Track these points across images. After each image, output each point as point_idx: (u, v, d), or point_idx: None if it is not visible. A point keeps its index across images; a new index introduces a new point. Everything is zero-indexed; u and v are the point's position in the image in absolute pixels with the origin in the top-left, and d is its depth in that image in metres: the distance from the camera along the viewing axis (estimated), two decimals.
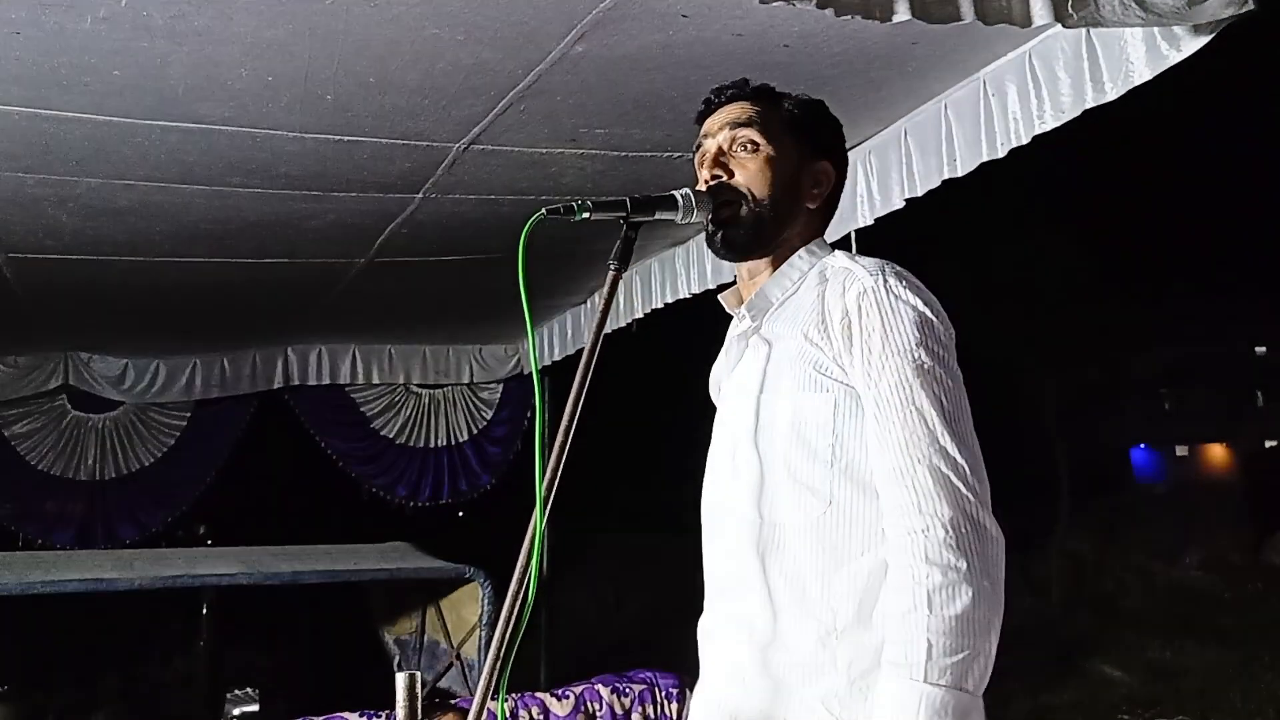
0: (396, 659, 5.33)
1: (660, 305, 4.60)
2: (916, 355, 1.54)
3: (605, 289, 1.60)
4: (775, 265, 1.74)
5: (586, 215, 1.56)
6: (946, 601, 1.43)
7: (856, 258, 1.69)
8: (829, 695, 1.53)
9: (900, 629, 1.45)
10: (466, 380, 6.60)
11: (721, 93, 1.77)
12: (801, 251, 1.74)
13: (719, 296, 1.86)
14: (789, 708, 1.56)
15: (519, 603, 1.42)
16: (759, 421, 1.66)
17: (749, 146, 1.71)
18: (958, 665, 1.42)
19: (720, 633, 1.70)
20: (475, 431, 6.73)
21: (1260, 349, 30.95)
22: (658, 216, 1.64)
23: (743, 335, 1.76)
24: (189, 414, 6.30)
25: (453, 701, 3.41)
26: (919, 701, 1.41)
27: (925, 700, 1.41)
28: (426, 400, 6.63)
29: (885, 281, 1.59)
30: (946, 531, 1.46)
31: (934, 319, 1.59)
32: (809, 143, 1.75)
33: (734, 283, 1.85)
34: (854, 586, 1.55)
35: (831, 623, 1.55)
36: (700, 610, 1.77)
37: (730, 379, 1.77)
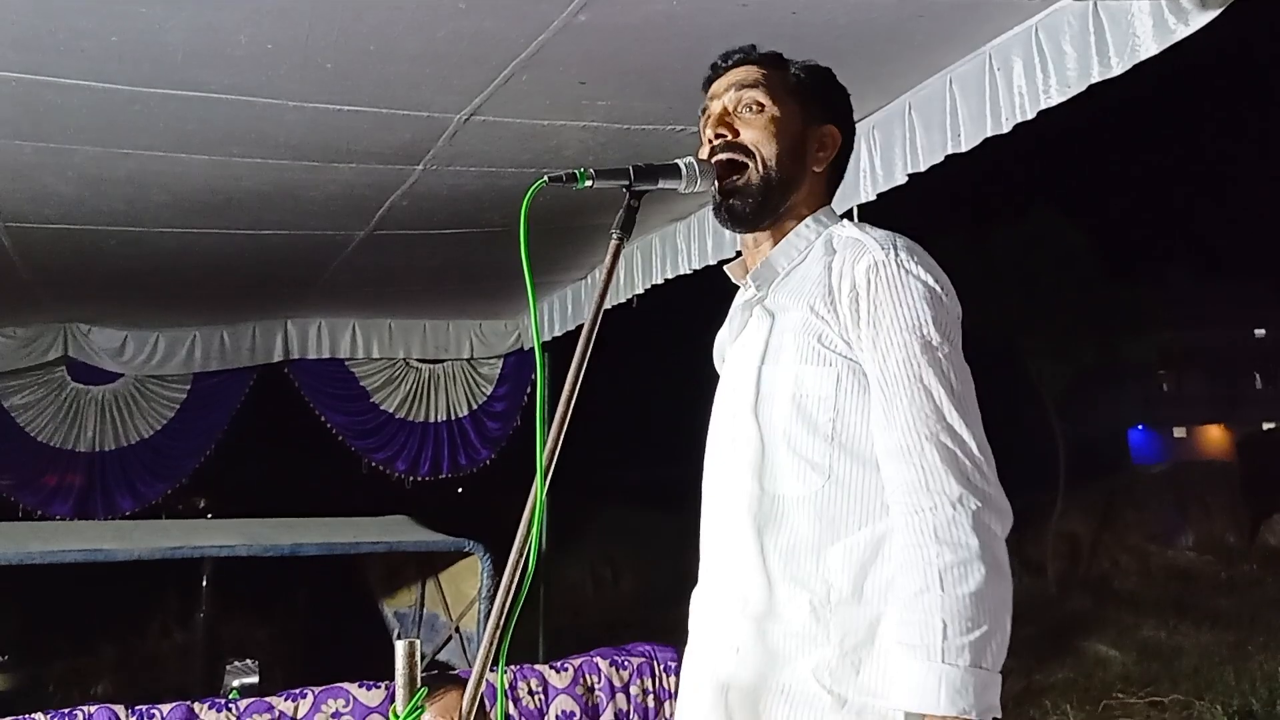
0: (396, 631, 5.35)
1: (661, 281, 4.58)
2: (925, 332, 1.53)
3: (608, 258, 1.59)
4: (782, 234, 1.73)
5: (589, 183, 1.55)
6: (959, 580, 1.43)
7: (866, 228, 1.67)
8: (820, 667, 1.53)
9: (913, 609, 1.45)
10: (466, 355, 6.61)
11: (728, 57, 1.76)
12: (809, 220, 1.72)
13: (726, 268, 1.84)
14: (782, 678, 1.56)
15: (519, 573, 1.42)
16: (759, 393, 1.65)
17: (754, 107, 1.70)
18: (975, 644, 1.42)
19: (714, 604, 1.69)
20: (475, 407, 6.74)
21: (1259, 331, 30.97)
22: (661, 185, 1.62)
23: (747, 304, 1.75)
24: (188, 386, 6.30)
25: (453, 672, 3.42)
26: (939, 682, 1.41)
27: (945, 680, 1.41)
28: (426, 375, 6.64)
29: (897, 255, 1.57)
30: (955, 509, 1.46)
31: (944, 296, 1.58)
32: (815, 107, 1.74)
33: (739, 255, 1.84)
34: (850, 560, 1.55)
35: (825, 595, 1.55)
36: (691, 585, 1.77)
37: (733, 348, 1.76)
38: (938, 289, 1.57)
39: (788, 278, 1.69)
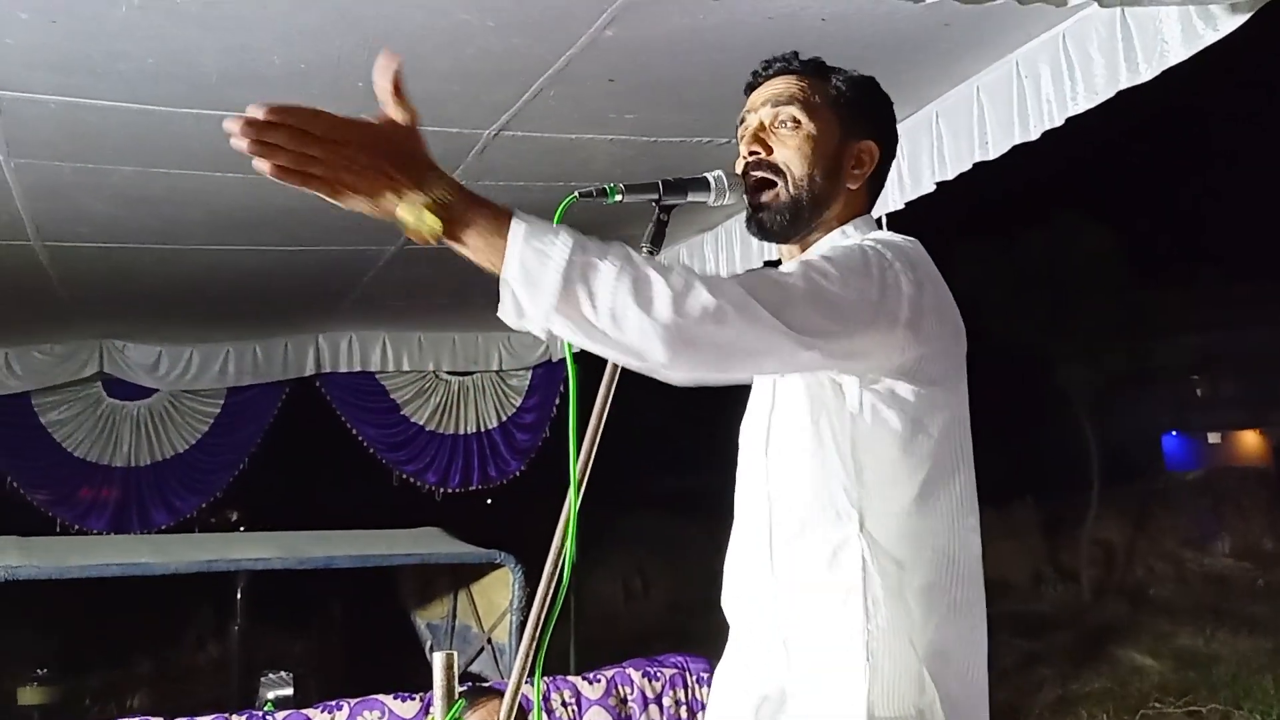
0: (429, 643, 5.38)
1: None
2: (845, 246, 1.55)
3: None
4: (807, 246, 1.72)
5: (619, 198, 1.56)
6: (675, 297, 1.29)
7: (871, 233, 1.67)
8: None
9: (618, 261, 1.31)
10: (495, 367, 6.63)
11: (770, 65, 1.74)
12: (838, 231, 1.71)
13: None
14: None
15: (554, 585, 1.43)
16: (774, 408, 1.66)
17: (790, 123, 1.68)
18: (587, 292, 1.28)
19: (747, 614, 1.68)
20: (504, 418, 6.77)
21: None
22: (690, 199, 1.63)
23: None
24: (222, 401, 6.37)
25: (487, 684, 3.43)
26: (521, 239, 1.30)
27: (544, 254, 1.29)
28: (456, 387, 6.67)
29: (881, 236, 1.59)
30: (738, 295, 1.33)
31: (920, 269, 1.54)
32: (855, 120, 1.72)
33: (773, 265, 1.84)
34: (810, 562, 1.54)
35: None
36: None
37: None
38: (869, 251, 1.51)
39: None
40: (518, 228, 1.31)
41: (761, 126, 1.70)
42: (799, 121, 1.68)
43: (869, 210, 1.78)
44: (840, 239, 1.69)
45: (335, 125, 1.28)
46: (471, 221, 1.32)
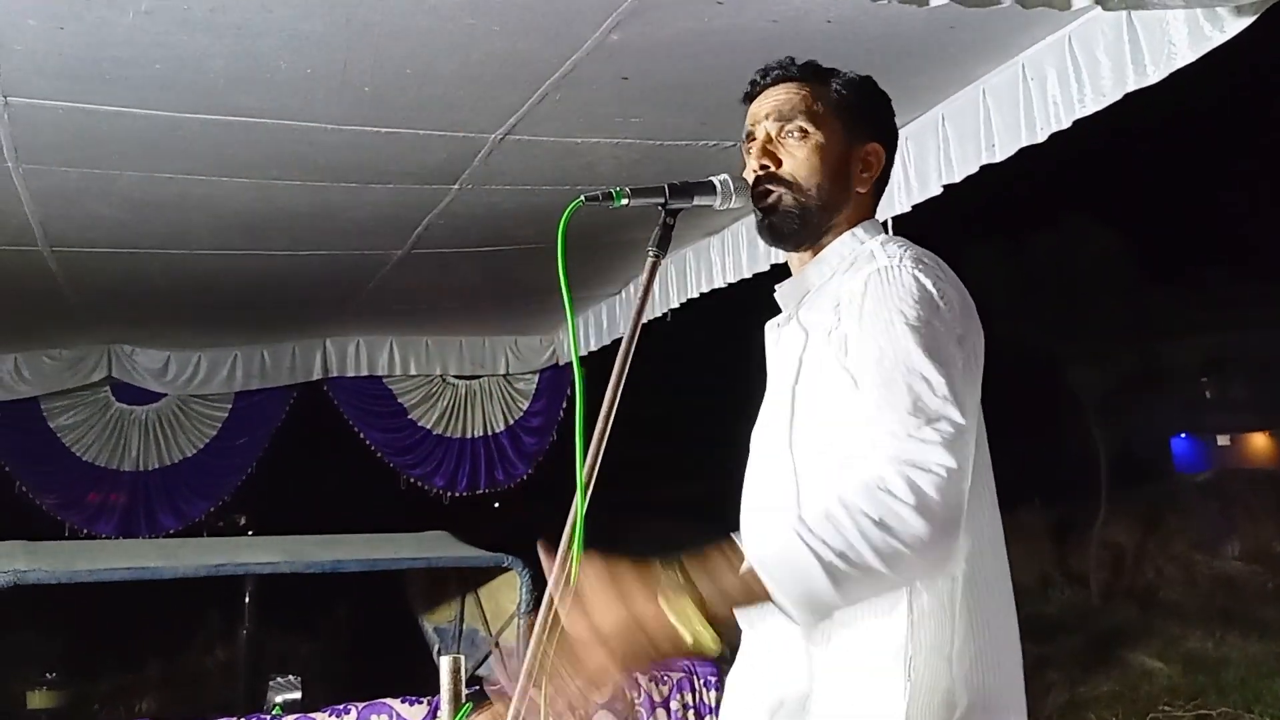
0: (436, 647, 5.37)
1: (696, 295, 4.59)
2: (906, 309, 1.48)
3: (644, 275, 1.60)
4: (820, 250, 1.71)
5: (625, 202, 1.56)
6: (897, 528, 1.31)
7: (892, 242, 1.64)
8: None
9: (838, 513, 1.33)
10: (502, 371, 6.64)
11: (768, 73, 1.74)
12: (846, 235, 1.70)
13: (777, 286, 1.81)
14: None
15: (559, 587, 1.43)
16: (794, 415, 1.63)
17: (798, 134, 1.67)
18: (849, 569, 1.30)
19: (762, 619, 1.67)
20: (511, 422, 6.77)
21: None
22: (696, 202, 1.63)
23: (780, 323, 1.74)
24: (230, 406, 6.38)
25: (495, 687, 3.43)
26: (795, 552, 1.30)
27: (799, 555, 1.30)
28: (463, 391, 6.68)
29: (901, 262, 1.54)
30: (936, 476, 1.35)
31: (940, 302, 1.51)
32: (858, 124, 1.72)
33: (777, 269, 1.84)
34: None
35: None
36: None
37: (770, 364, 1.76)
38: (934, 294, 1.50)
39: (818, 294, 1.67)
40: (768, 583, 1.31)
41: (769, 139, 1.69)
42: (806, 132, 1.68)
43: (874, 211, 1.78)
44: (852, 242, 1.69)
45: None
46: (733, 604, 1.33)
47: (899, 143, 1.87)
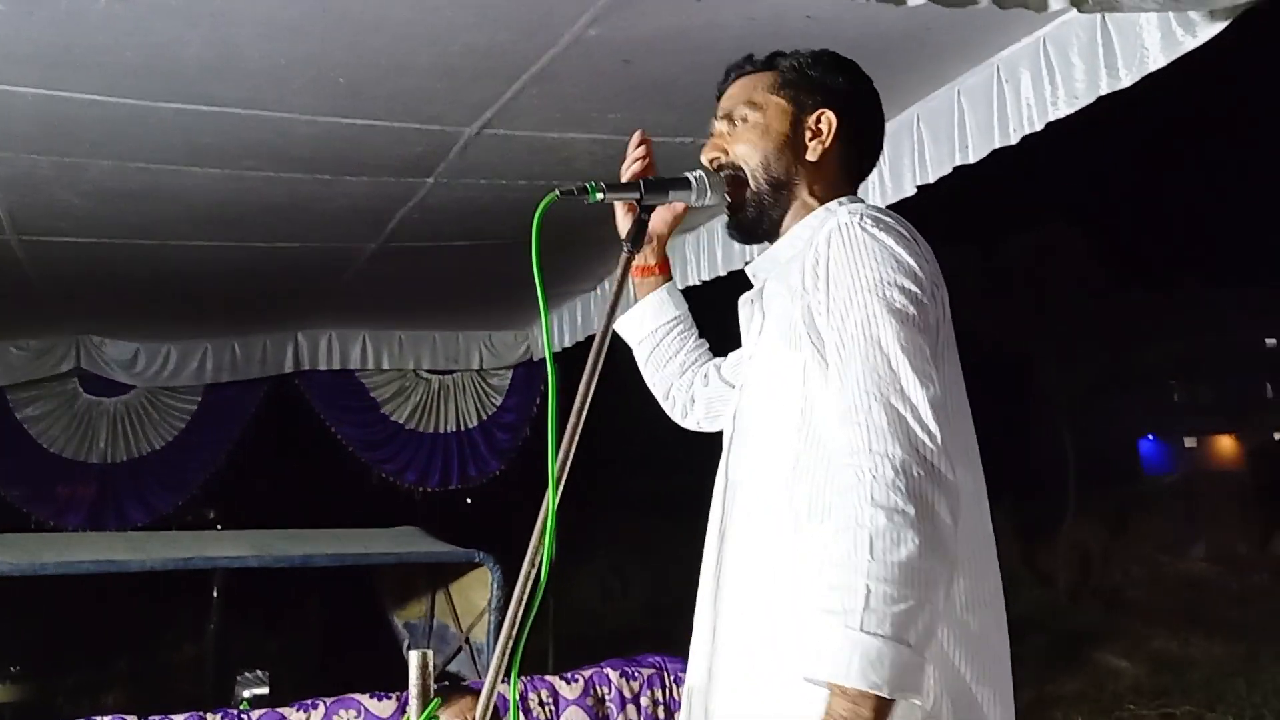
0: (406, 642, 5.35)
1: None
2: (886, 293, 1.47)
3: (619, 271, 1.60)
4: (789, 233, 1.71)
5: (600, 196, 1.57)
6: (890, 547, 1.33)
7: (850, 204, 1.65)
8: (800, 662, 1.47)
9: (839, 574, 1.36)
10: (476, 366, 6.61)
11: (728, 75, 1.79)
12: (820, 209, 1.69)
13: (749, 264, 1.84)
14: (753, 670, 1.54)
15: (531, 584, 1.42)
16: (746, 386, 1.68)
17: (739, 122, 1.71)
18: (899, 616, 1.31)
19: (702, 605, 1.67)
20: (484, 418, 6.74)
21: (1270, 340, 30.81)
22: (671, 198, 1.65)
23: (747, 300, 1.77)
24: (199, 398, 6.32)
25: (464, 683, 3.42)
26: (852, 651, 1.30)
27: (860, 651, 1.30)
28: (436, 386, 6.64)
29: (861, 220, 1.53)
30: (896, 473, 1.37)
31: (910, 260, 1.51)
32: (805, 94, 1.71)
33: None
34: (808, 554, 1.48)
35: (792, 589, 1.50)
36: None
37: (744, 343, 1.79)
38: (902, 253, 1.51)
39: (783, 267, 1.67)
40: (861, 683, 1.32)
41: (719, 133, 1.74)
42: (745, 117, 1.71)
43: (852, 186, 1.75)
44: (825, 215, 1.66)
45: None
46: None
47: None
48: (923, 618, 1.33)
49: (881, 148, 1.83)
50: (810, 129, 1.70)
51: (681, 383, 1.98)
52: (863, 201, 1.72)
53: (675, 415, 2.02)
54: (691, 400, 1.97)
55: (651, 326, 1.97)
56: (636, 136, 1.84)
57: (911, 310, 1.47)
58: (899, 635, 1.31)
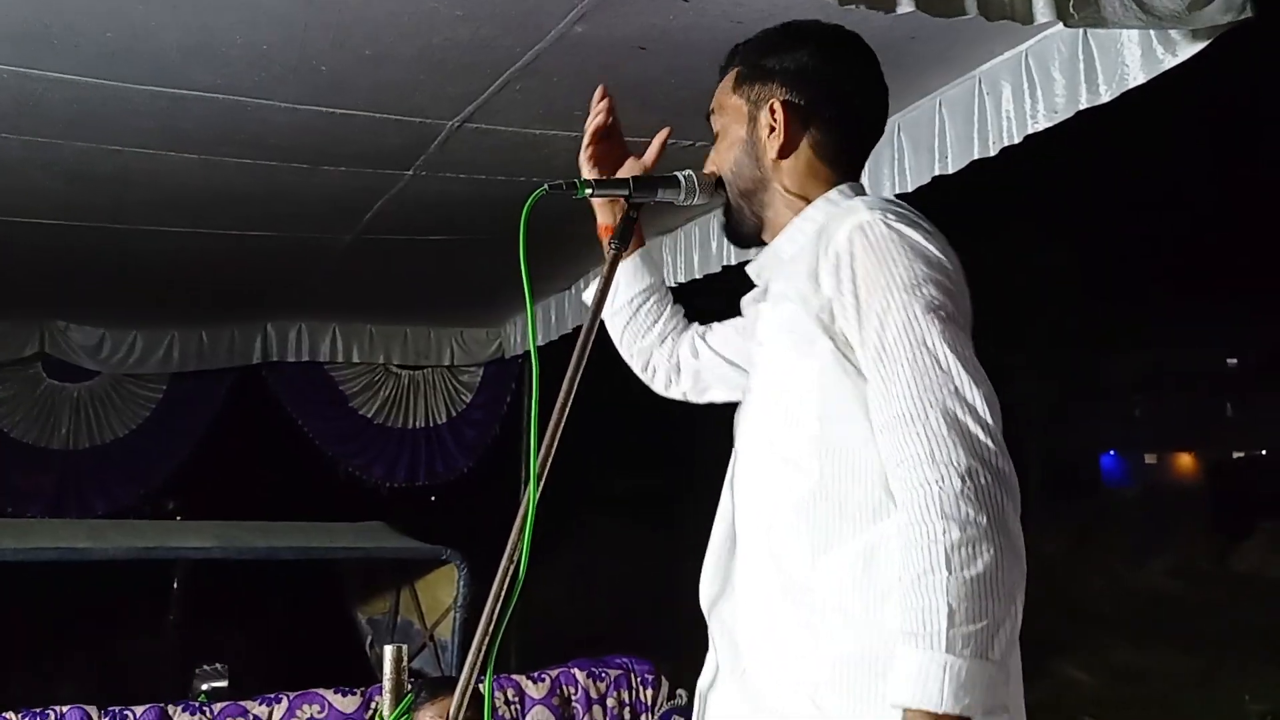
0: (369, 638, 5.32)
1: None
2: (926, 291, 1.39)
3: (605, 269, 1.59)
4: (780, 233, 1.63)
5: (589, 192, 1.56)
6: (967, 561, 1.28)
7: (863, 199, 1.55)
8: (813, 686, 1.42)
9: (916, 593, 1.29)
10: (447, 362, 6.57)
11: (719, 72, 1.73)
12: (818, 202, 1.59)
13: (749, 263, 1.78)
14: (778, 696, 1.48)
15: (509, 580, 1.42)
16: (751, 394, 1.61)
17: (716, 128, 1.69)
18: (982, 632, 1.27)
19: (714, 615, 1.61)
20: (454, 414, 6.70)
21: (1231, 360, 31.26)
22: (660, 197, 1.64)
23: (752, 300, 1.70)
24: (165, 387, 6.24)
25: (447, 677, 3.39)
26: (943, 673, 1.25)
27: (950, 672, 1.25)
28: (406, 381, 6.60)
29: (884, 215, 1.44)
30: (964, 482, 1.31)
31: (937, 252, 1.44)
32: (756, 89, 1.62)
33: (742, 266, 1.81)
34: (842, 571, 1.42)
35: (820, 609, 1.43)
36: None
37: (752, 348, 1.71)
38: (930, 247, 1.43)
39: (788, 265, 1.57)
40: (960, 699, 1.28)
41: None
42: (715, 125, 1.69)
43: (840, 169, 1.63)
44: (826, 206, 1.58)
45: None
46: None
47: None
48: (1004, 631, 1.31)
49: (873, 111, 1.69)
50: (766, 125, 1.60)
51: (662, 351, 1.90)
52: (863, 188, 1.65)
53: (657, 385, 1.95)
54: (677, 369, 1.90)
55: (627, 296, 1.88)
56: (599, 90, 1.80)
57: (950, 306, 1.41)
58: (983, 652, 1.28)
